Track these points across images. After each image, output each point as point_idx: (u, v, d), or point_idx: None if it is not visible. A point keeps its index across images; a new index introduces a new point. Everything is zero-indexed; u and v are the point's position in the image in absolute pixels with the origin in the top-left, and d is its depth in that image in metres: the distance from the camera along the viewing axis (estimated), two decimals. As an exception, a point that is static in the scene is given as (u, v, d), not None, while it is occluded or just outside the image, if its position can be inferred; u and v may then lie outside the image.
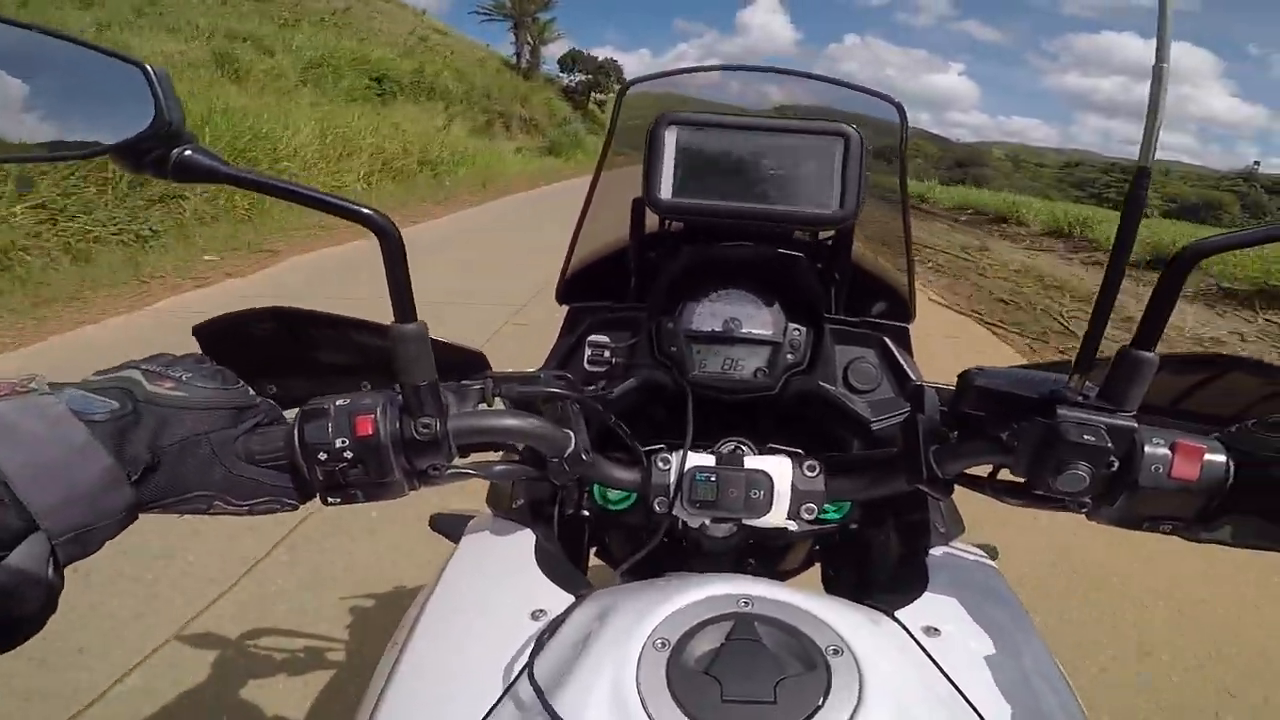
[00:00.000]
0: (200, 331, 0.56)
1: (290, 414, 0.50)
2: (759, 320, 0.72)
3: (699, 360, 0.72)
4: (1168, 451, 0.44)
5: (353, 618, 1.77)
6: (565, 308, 0.80)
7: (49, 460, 0.35)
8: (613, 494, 0.73)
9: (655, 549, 0.61)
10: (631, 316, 0.75)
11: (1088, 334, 0.44)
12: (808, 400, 0.73)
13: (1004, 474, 0.51)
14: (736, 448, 0.69)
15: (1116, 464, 0.44)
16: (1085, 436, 0.43)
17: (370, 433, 0.45)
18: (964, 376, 0.53)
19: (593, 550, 0.83)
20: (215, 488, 0.44)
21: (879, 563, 0.72)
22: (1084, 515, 0.48)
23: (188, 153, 0.40)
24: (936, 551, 0.64)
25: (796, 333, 0.72)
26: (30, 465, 0.34)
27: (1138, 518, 0.46)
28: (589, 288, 0.80)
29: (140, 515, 0.42)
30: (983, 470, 0.53)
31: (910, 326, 0.77)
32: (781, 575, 0.84)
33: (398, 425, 0.46)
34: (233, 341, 0.57)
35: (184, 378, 0.44)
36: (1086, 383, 0.45)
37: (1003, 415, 0.49)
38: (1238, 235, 0.41)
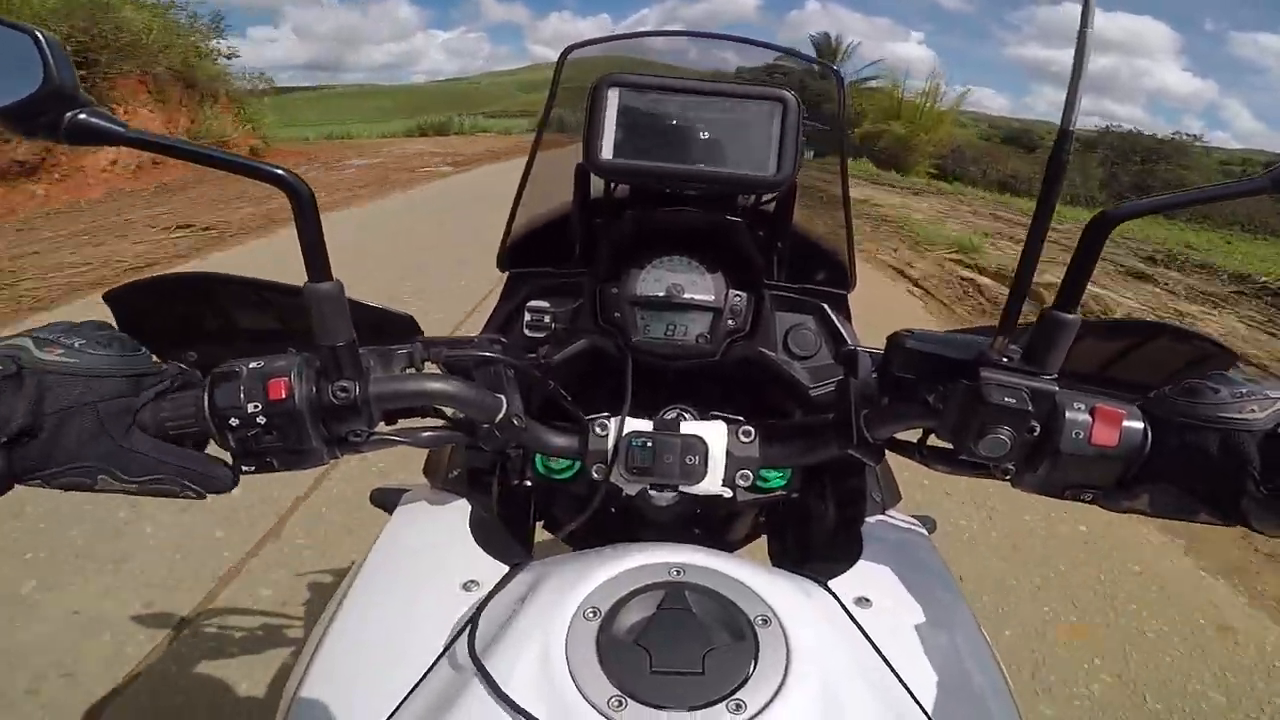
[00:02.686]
0: (112, 298, 0.53)
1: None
2: (701, 286, 0.72)
3: (642, 325, 0.72)
4: (1088, 417, 0.45)
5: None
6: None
7: None
8: (555, 463, 0.73)
9: (601, 520, 0.61)
10: (573, 282, 0.74)
11: (1010, 295, 0.44)
12: (749, 366, 0.74)
13: (934, 441, 0.52)
14: (678, 415, 0.69)
15: (1038, 429, 0.45)
16: (1006, 399, 0.43)
17: (283, 396, 0.43)
18: (893, 339, 0.53)
19: (539, 523, 0.83)
20: (100, 460, 0.42)
21: (817, 532, 0.73)
22: (1009, 483, 0.49)
23: (82, 115, 0.38)
24: (872, 520, 0.65)
25: (737, 299, 0.71)
26: None
27: (1060, 485, 0.47)
28: (531, 254, 0.79)
29: (16, 486, 0.41)
30: (913, 436, 0.54)
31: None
32: (728, 546, 0.86)
33: (314, 389, 0.44)
34: (148, 309, 0.55)
35: (76, 344, 0.42)
36: (1010, 345, 0.45)
37: (930, 377, 0.50)
38: (1156, 200, 0.42)
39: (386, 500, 0.70)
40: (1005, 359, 0.45)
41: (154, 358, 0.46)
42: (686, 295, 0.71)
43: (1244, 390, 0.44)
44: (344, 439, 0.47)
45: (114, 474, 0.42)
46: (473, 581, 0.53)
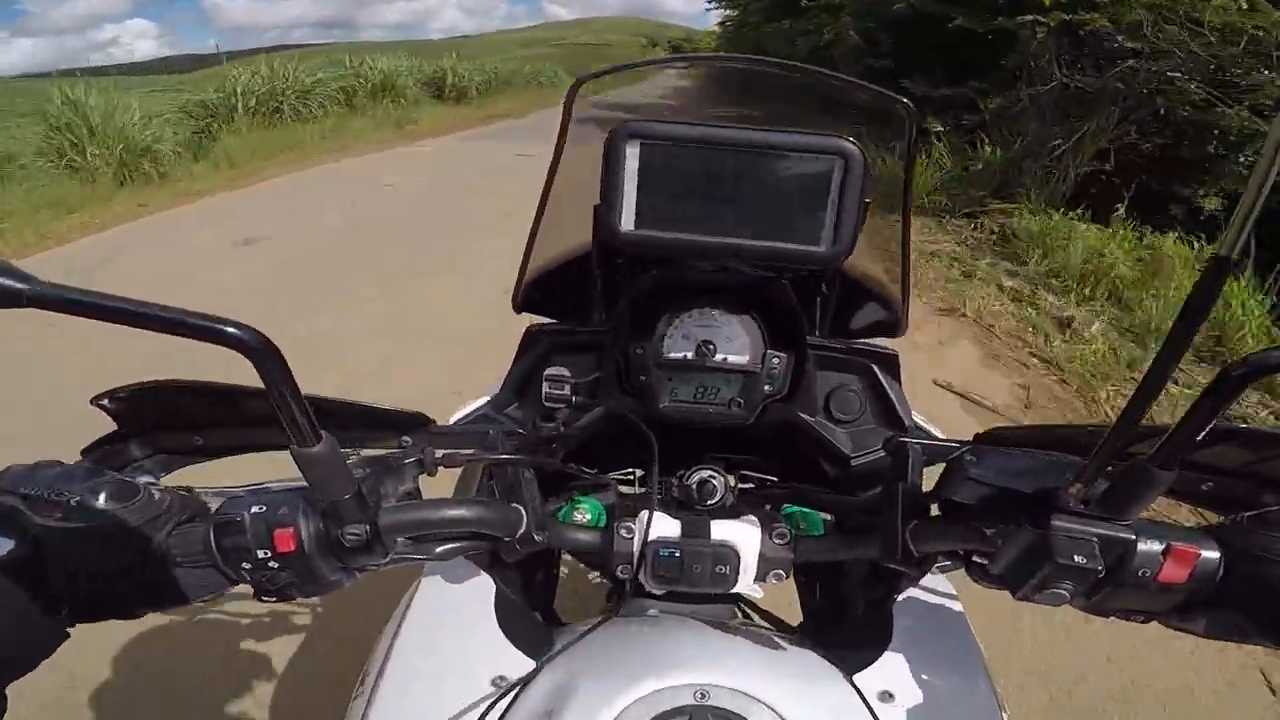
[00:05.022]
0: (101, 403, 0.50)
1: (211, 499, 0.45)
2: (736, 345, 0.67)
3: (670, 389, 0.67)
4: (1160, 555, 0.41)
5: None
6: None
7: None
8: (578, 518, 0.70)
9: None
10: (594, 340, 0.69)
11: (1105, 440, 0.39)
12: (785, 429, 0.69)
13: None
14: (707, 482, 0.65)
15: (1103, 573, 0.41)
16: (1076, 557, 0.40)
17: (293, 549, 0.41)
18: (952, 465, 0.49)
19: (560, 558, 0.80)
20: (144, 601, 0.43)
21: (849, 598, 0.70)
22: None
23: None
24: (903, 596, 0.62)
25: (776, 360, 0.66)
26: None
27: (1113, 610, 0.44)
28: (549, 296, 0.74)
29: (73, 626, 0.41)
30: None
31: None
32: None
33: (323, 532, 0.42)
34: (139, 406, 0.51)
35: (73, 502, 0.40)
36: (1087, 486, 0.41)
37: (991, 510, 0.46)
38: None
39: None
40: (1081, 502, 0.41)
41: (153, 491, 0.43)
42: (719, 356, 0.66)
43: None
44: (361, 568, 0.46)
45: (156, 607, 0.44)
46: (500, 677, 0.53)
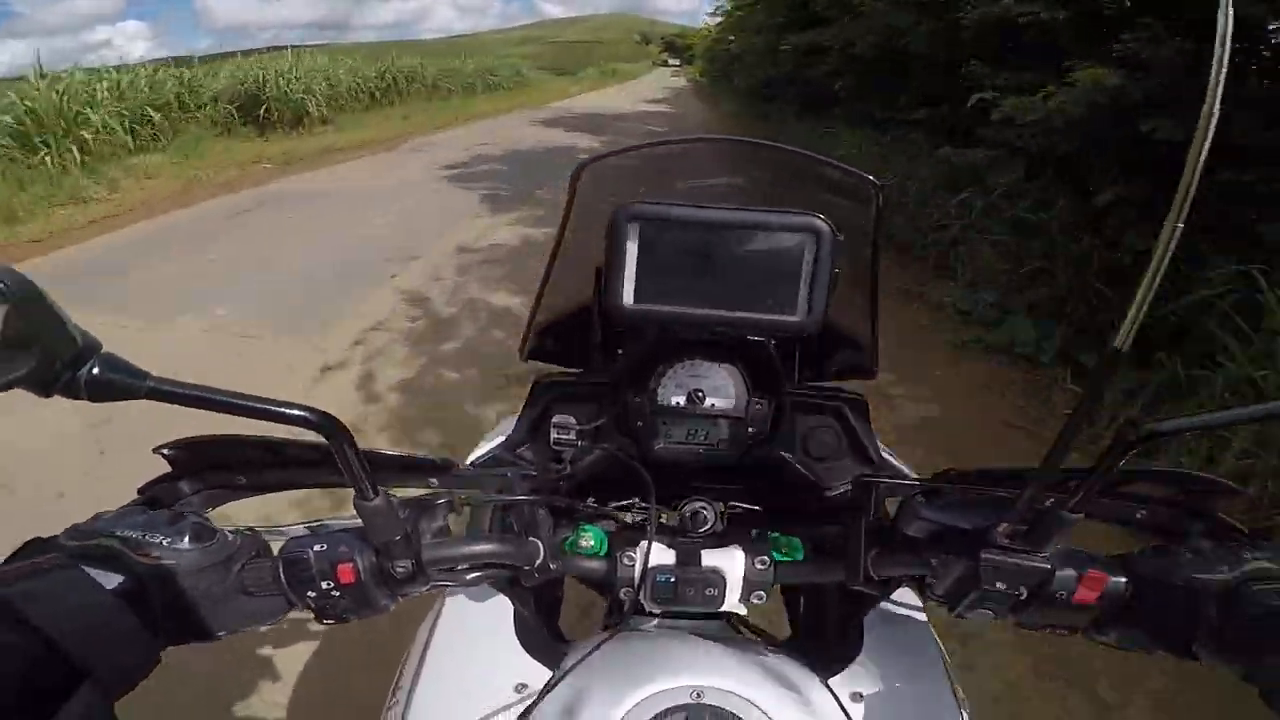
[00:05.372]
0: (162, 451, 0.58)
1: (271, 536, 0.53)
2: (722, 392, 0.75)
3: (664, 431, 0.75)
4: (1074, 581, 0.50)
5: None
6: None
7: (89, 624, 0.42)
8: (583, 544, 0.78)
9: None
10: (596, 390, 0.77)
11: (1029, 483, 0.47)
12: (767, 465, 0.77)
13: None
14: (698, 513, 0.73)
15: (1025, 595, 0.50)
16: (999, 584, 0.49)
17: (353, 581, 0.50)
18: (904, 504, 0.58)
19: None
20: (223, 626, 0.51)
21: (828, 611, 0.79)
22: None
23: (96, 370, 0.37)
24: (876, 610, 0.71)
25: (759, 406, 0.74)
26: (77, 630, 0.40)
27: (1036, 625, 0.54)
28: (554, 346, 0.82)
29: (168, 648, 0.49)
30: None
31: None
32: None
33: (375, 565, 0.51)
34: (193, 453, 0.59)
35: (165, 543, 0.48)
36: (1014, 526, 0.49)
37: (935, 543, 0.55)
38: (1199, 419, 0.44)
39: None
40: (1006, 539, 0.49)
41: (227, 534, 0.51)
42: (709, 403, 0.74)
43: (1217, 552, 0.49)
44: (406, 594, 0.54)
45: (235, 629, 0.51)
46: (522, 684, 0.61)
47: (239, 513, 0.64)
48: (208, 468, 0.61)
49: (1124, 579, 0.50)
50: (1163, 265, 0.36)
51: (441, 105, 17.23)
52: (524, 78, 26.95)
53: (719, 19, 18.42)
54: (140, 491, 0.60)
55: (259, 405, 0.41)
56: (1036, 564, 0.49)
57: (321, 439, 0.43)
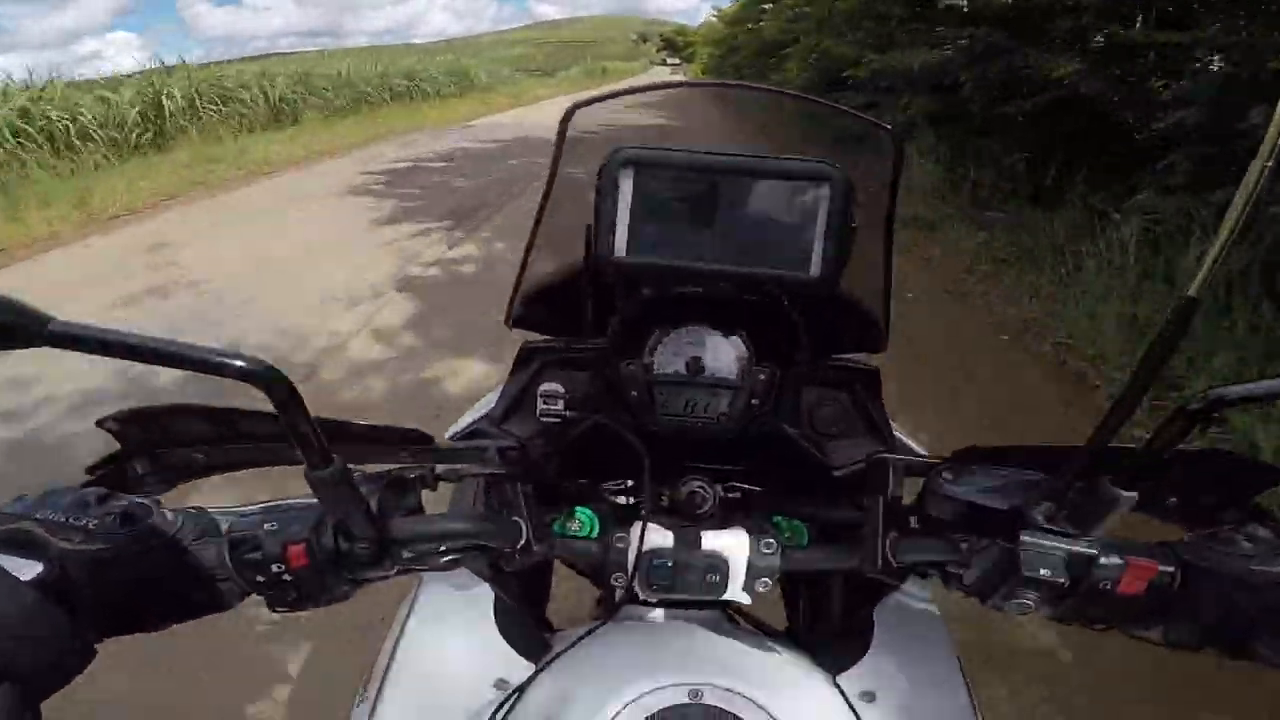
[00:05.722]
0: (105, 425, 0.52)
1: (223, 517, 0.47)
2: (724, 361, 0.69)
3: (660, 402, 0.69)
4: (1119, 569, 0.44)
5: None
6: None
7: (4, 621, 0.37)
8: (572, 528, 0.72)
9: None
10: (587, 357, 0.71)
11: (1077, 451, 0.42)
12: (771, 441, 0.72)
13: None
14: (696, 493, 0.67)
15: (1067, 585, 0.44)
16: (1042, 570, 0.43)
17: (306, 564, 0.44)
18: (929, 482, 0.52)
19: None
20: (165, 616, 0.45)
21: (833, 603, 0.73)
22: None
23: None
24: (886, 602, 0.65)
25: (762, 375, 0.69)
26: None
27: (1074, 618, 0.47)
28: (541, 313, 0.76)
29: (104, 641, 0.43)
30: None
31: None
32: None
33: (333, 547, 0.44)
34: (143, 427, 0.53)
35: (91, 525, 0.41)
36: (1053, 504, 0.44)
37: (964, 524, 0.49)
38: (1266, 384, 0.38)
39: None
40: (1046, 518, 0.44)
41: (166, 513, 0.45)
42: (708, 373, 0.68)
43: (1278, 543, 0.44)
44: (369, 580, 0.48)
45: (179, 618, 0.46)
46: (502, 680, 0.56)
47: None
48: (163, 445, 0.55)
49: (1173, 569, 0.44)
50: (1248, 207, 0.32)
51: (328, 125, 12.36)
52: (473, 81, 21.97)
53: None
54: (88, 473, 0.54)
55: (187, 353, 0.34)
56: (1082, 549, 0.43)
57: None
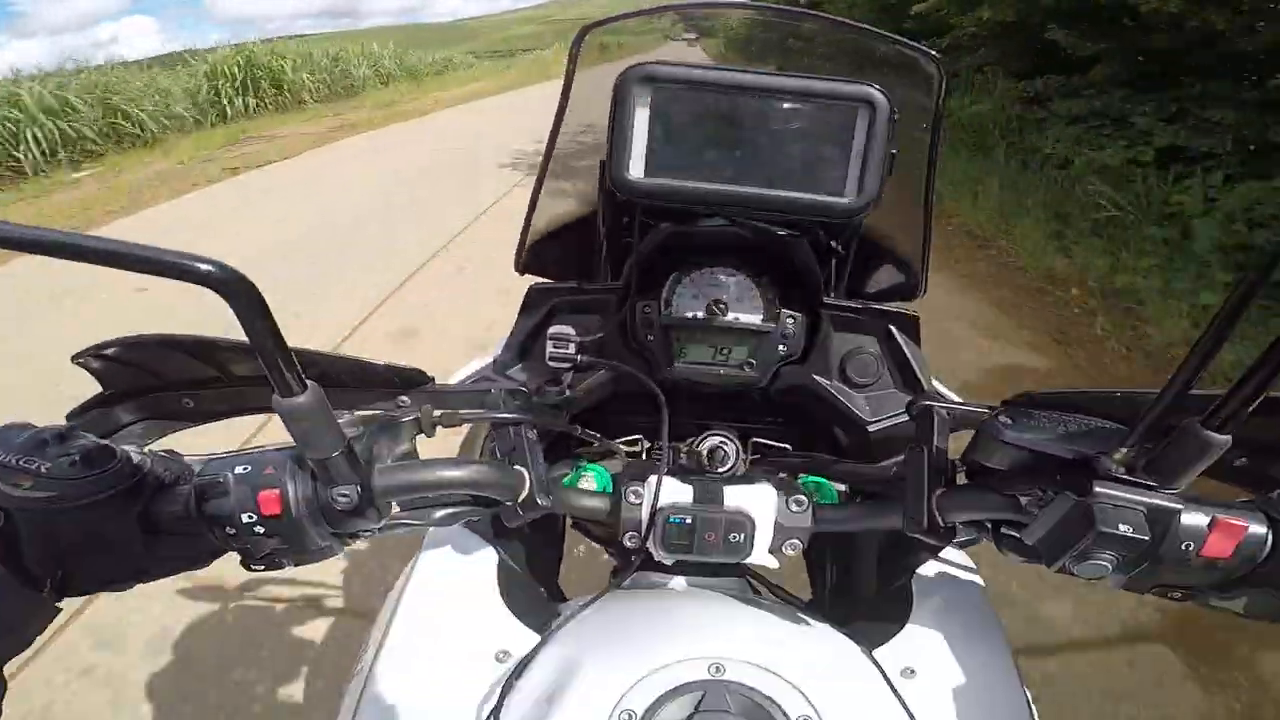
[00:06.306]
0: (82, 361, 0.47)
1: (197, 461, 0.43)
2: (748, 304, 0.63)
3: (678, 349, 0.64)
4: (1205, 529, 0.38)
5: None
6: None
7: None
8: (583, 483, 0.67)
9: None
10: (601, 299, 0.66)
11: (1156, 399, 0.36)
12: (799, 394, 0.66)
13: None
14: (718, 448, 0.62)
15: (1146, 544, 0.38)
16: (1121, 526, 0.37)
17: (279, 511, 0.38)
18: (984, 429, 0.46)
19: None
20: (129, 572, 0.41)
21: (865, 572, 0.67)
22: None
23: None
24: (924, 571, 0.60)
25: (790, 320, 0.63)
26: None
27: (1149, 585, 0.42)
28: (553, 258, 0.70)
29: (63, 600, 0.39)
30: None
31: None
32: None
33: (311, 494, 0.39)
34: (125, 365, 0.48)
35: (43, 469, 0.36)
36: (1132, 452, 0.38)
37: (1027, 476, 0.43)
38: None
39: None
40: (1124, 468, 0.38)
41: (131, 455, 0.40)
42: (731, 316, 0.63)
43: None
44: (353, 534, 0.43)
45: (144, 576, 0.41)
46: (504, 652, 0.51)
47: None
48: (148, 389, 0.50)
49: (1265, 530, 0.38)
50: None
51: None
52: (383, 72, 16.13)
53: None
54: (68, 419, 0.49)
55: (138, 254, 0.29)
56: (1165, 501, 0.37)
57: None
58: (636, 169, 0.50)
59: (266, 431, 1.92)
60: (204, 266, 0.30)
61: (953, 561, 0.62)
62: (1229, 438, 0.34)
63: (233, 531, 0.39)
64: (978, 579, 0.61)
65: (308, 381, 0.34)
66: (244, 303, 0.31)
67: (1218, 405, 0.34)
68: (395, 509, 0.44)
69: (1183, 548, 0.38)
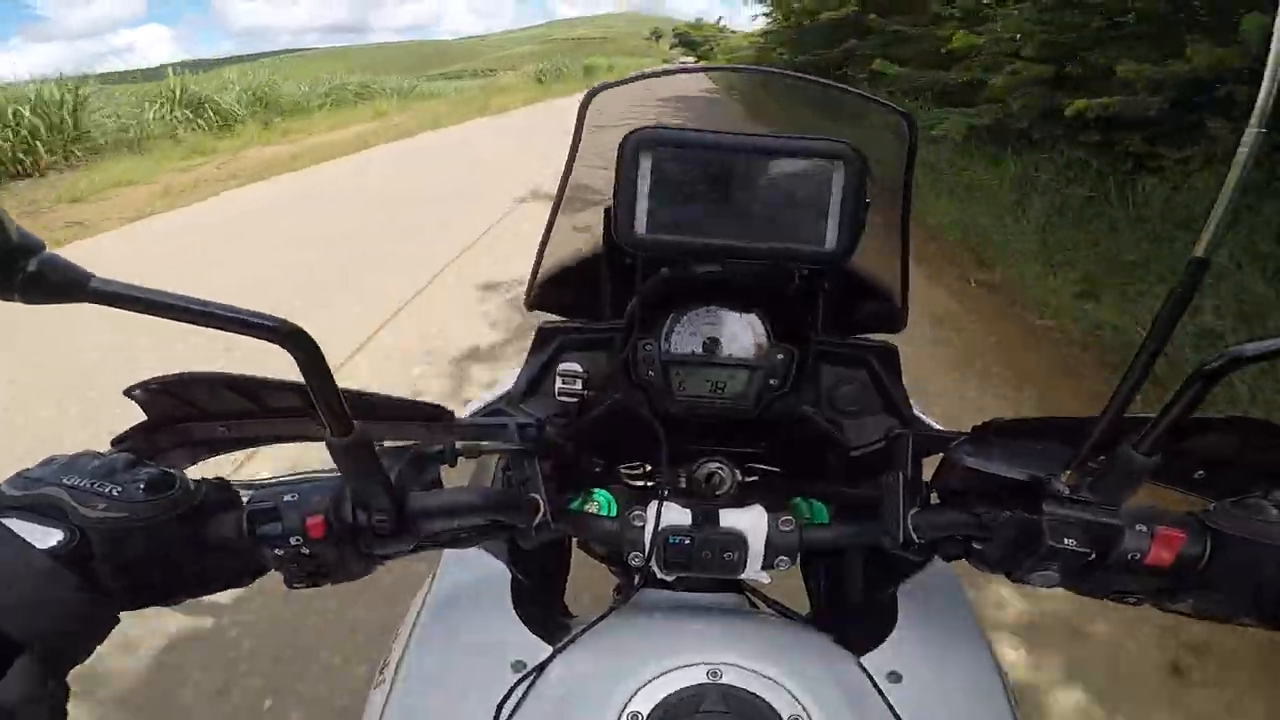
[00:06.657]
0: (133, 394, 0.53)
1: (246, 489, 0.48)
2: (740, 341, 0.69)
3: (676, 383, 0.69)
4: (1146, 539, 0.43)
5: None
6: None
7: (18, 588, 0.37)
8: (590, 508, 0.72)
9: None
10: (605, 337, 0.71)
11: (1097, 427, 0.41)
12: (789, 421, 0.71)
13: None
14: (714, 474, 0.68)
15: (1092, 556, 0.43)
16: (1066, 540, 0.42)
17: (322, 536, 0.44)
18: (949, 455, 0.51)
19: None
20: (184, 588, 0.45)
21: (855, 584, 0.72)
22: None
23: (33, 267, 0.31)
24: (909, 582, 0.65)
25: (779, 355, 0.69)
26: (3, 595, 0.36)
27: (1102, 592, 0.47)
28: (560, 295, 0.76)
29: (125, 612, 0.43)
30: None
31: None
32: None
33: (351, 520, 0.45)
34: (169, 397, 0.54)
35: (115, 493, 0.41)
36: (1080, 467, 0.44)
37: (986, 496, 0.48)
38: None
39: None
40: (1069, 489, 0.43)
41: (189, 483, 0.45)
42: (725, 353, 0.68)
43: None
44: (387, 555, 0.48)
45: (197, 591, 0.46)
46: (520, 662, 0.55)
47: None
48: (189, 418, 0.55)
49: (1201, 538, 0.44)
50: (1245, 170, 0.32)
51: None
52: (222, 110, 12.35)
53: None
54: (113, 444, 0.54)
55: (217, 312, 0.34)
56: (1107, 519, 0.43)
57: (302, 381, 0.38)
58: (640, 227, 0.56)
59: (264, 453, 1.99)
60: (268, 324, 0.35)
61: (936, 574, 0.67)
62: (1156, 459, 0.40)
63: (281, 553, 0.44)
64: (960, 586, 0.66)
65: (355, 423, 0.40)
66: (303, 354, 0.37)
67: (1146, 431, 0.39)
68: (424, 532, 0.50)
69: (1128, 558, 0.43)
